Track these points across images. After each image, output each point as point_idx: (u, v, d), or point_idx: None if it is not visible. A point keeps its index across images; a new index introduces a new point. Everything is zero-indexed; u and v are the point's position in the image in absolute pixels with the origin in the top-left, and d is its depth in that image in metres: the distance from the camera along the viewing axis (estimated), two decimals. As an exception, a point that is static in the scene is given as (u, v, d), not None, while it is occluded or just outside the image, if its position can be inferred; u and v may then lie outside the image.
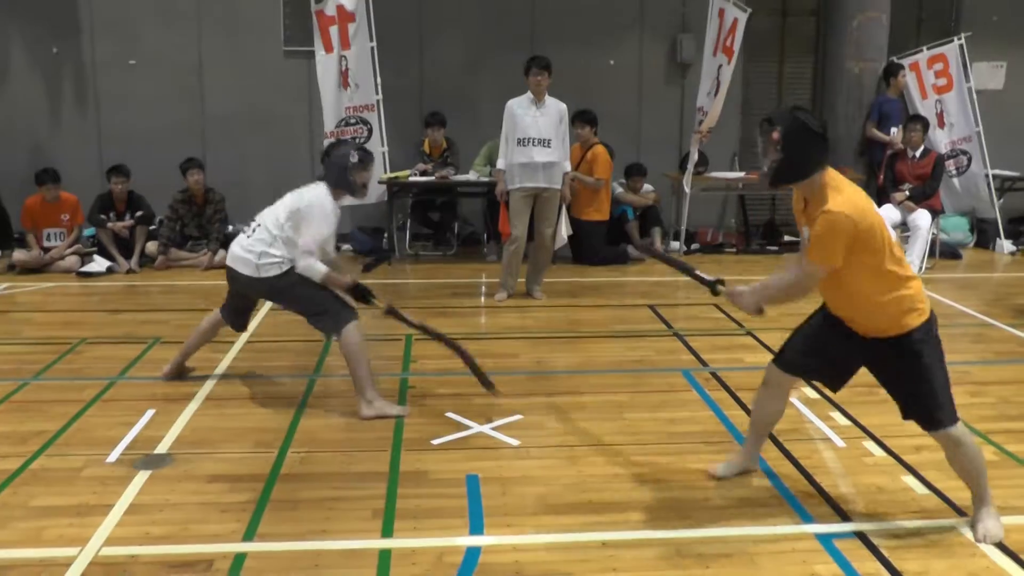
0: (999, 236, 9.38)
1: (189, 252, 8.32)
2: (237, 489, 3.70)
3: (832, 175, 3.28)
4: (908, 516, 3.57)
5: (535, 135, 6.93)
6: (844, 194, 3.22)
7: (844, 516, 3.56)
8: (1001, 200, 9.51)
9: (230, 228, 8.49)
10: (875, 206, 3.37)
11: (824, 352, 3.57)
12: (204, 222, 8.32)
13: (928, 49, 9.15)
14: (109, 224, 8.16)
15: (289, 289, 4.66)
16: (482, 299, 7.30)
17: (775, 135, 3.22)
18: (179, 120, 9.32)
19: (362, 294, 4.73)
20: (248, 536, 3.31)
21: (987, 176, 9.31)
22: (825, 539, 3.38)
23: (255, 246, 4.64)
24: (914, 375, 3.34)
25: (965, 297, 7.36)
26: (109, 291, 7.51)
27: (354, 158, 4.66)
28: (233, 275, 4.78)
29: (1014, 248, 9.38)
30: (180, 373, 5.14)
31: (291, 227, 4.59)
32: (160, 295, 7.36)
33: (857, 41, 9.23)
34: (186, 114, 9.36)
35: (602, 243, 8.81)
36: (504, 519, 3.49)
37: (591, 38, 9.68)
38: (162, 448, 4.11)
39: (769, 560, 3.23)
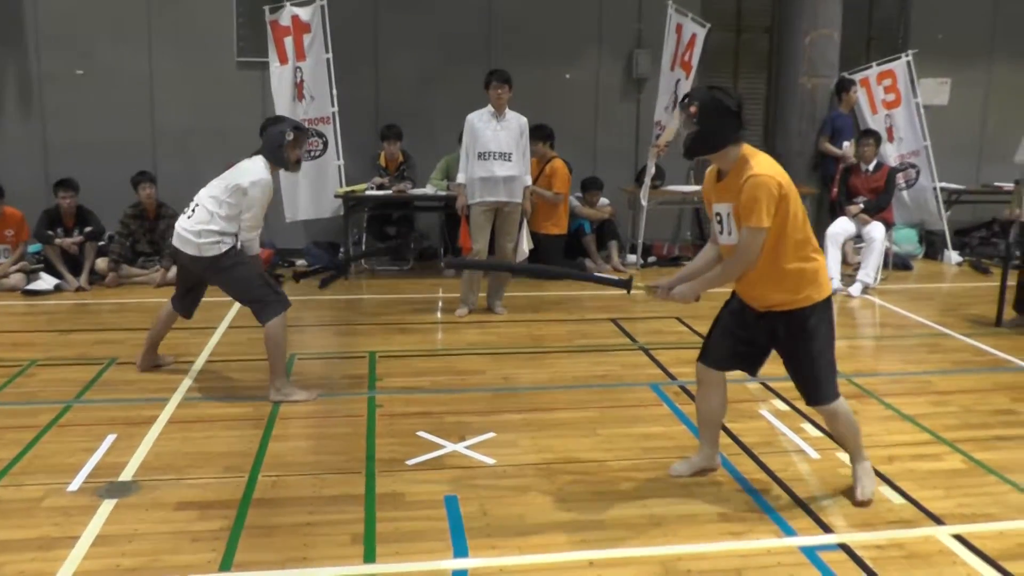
0: (947, 247, 9.62)
1: (141, 268, 8.08)
2: (208, 516, 3.56)
3: (749, 149, 3.53)
4: (888, 526, 3.60)
5: (496, 149, 6.89)
6: (764, 162, 3.49)
7: (826, 528, 3.57)
8: (948, 212, 9.74)
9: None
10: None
11: (738, 339, 3.81)
12: (156, 238, 8.08)
13: (878, 65, 9.35)
14: (57, 240, 7.87)
15: (229, 270, 4.93)
16: (439, 314, 7.22)
17: (692, 109, 3.47)
18: (129, 133, 9.05)
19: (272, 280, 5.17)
20: (225, 566, 3.19)
21: (935, 189, 9.53)
22: (810, 552, 3.39)
23: (195, 225, 4.86)
24: (805, 355, 3.64)
25: (919, 308, 7.51)
26: (58, 310, 7.25)
27: (289, 136, 4.91)
28: (175, 252, 5.05)
29: (961, 259, 9.62)
30: (156, 364, 5.43)
31: (231, 204, 4.84)
32: (112, 314, 7.12)
33: (810, 57, 9.39)
34: (136, 126, 9.11)
35: (560, 257, 8.80)
36: (488, 540, 3.42)
37: (547, 53, 9.68)
38: (127, 475, 3.95)
39: (755, 574, 3.22)
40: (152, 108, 9.14)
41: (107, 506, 3.63)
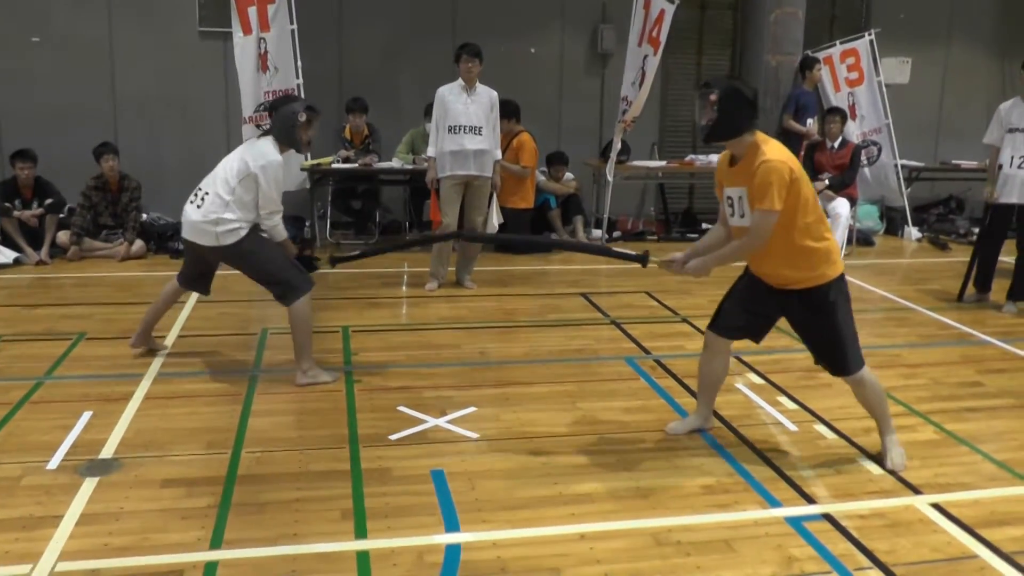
0: (907, 224, 9.82)
1: (104, 242, 7.89)
2: (195, 493, 3.51)
3: (761, 136, 3.71)
4: (868, 496, 3.68)
5: (466, 123, 6.85)
6: (776, 148, 3.67)
7: (809, 499, 3.64)
8: (908, 189, 9.93)
9: (144, 216, 8.11)
10: None
11: (751, 310, 4.00)
12: (119, 210, 7.89)
13: (841, 44, 9.46)
14: (15, 213, 7.66)
15: (250, 254, 4.73)
16: (403, 288, 7.17)
17: (713, 97, 3.65)
18: (88, 102, 8.79)
19: (307, 264, 4.99)
20: (215, 544, 3.14)
21: (896, 166, 9.71)
22: (795, 522, 3.45)
23: (210, 214, 4.63)
24: (826, 328, 3.79)
25: (883, 282, 7.66)
26: (18, 284, 7.05)
27: (302, 116, 4.75)
28: (191, 246, 4.80)
29: (920, 235, 9.83)
30: (150, 347, 5.20)
31: (243, 189, 4.64)
32: (76, 288, 6.94)
33: (774, 35, 9.45)
34: (96, 96, 8.84)
35: (527, 232, 8.79)
36: (478, 515, 3.43)
37: (513, 27, 9.62)
38: (107, 452, 3.87)
39: (746, 545, 3.27)
40: (113, 77, 8.88)
41: (89, 484, 3.56)
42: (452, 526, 3.34)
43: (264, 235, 4.81)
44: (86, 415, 4.25)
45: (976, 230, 9.77)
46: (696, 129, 3.93)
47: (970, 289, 6.97)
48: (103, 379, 4.79)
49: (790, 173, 3.56)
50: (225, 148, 8.68)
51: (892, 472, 3.90)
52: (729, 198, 3.78)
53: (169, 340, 5.50)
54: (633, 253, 4.18)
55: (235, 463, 3.80)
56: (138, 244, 7.83)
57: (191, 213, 4.69)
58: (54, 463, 3.75)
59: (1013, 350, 5.77)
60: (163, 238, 8.13)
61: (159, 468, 3.73)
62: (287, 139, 4.76)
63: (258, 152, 4.67)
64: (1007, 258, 6.93)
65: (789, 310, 3.88)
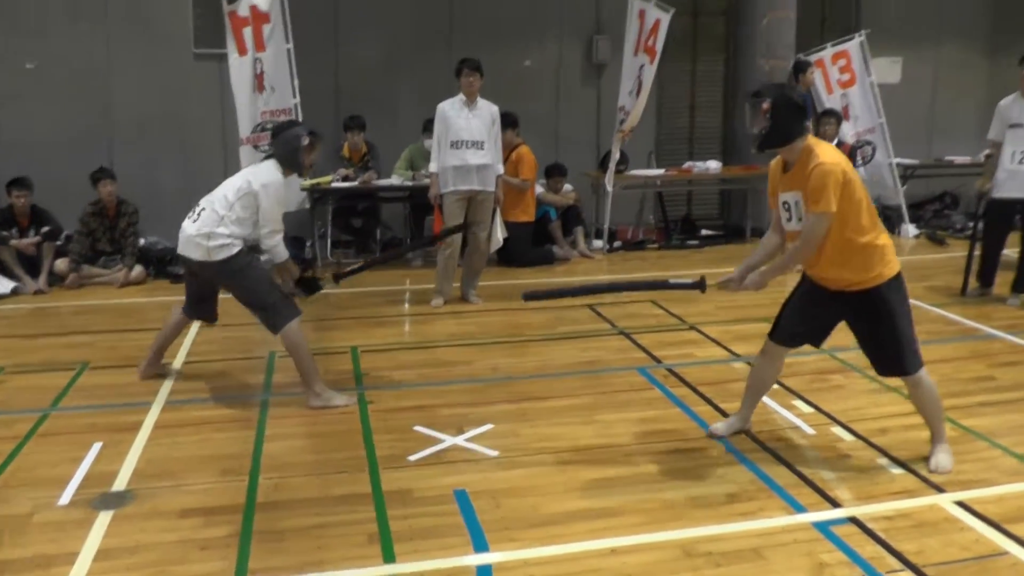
0: (903, 221, 9.83)
1: (102, 268, 7.80)
2: (213, 523, 3.45)
3: (812, 139, 3.72)
4: (892, 497, 3.66)
5: (468, 137, 6.83)
6: (829, 151, 3.68)
7: (834, 503, 3.61)
8: (904, 187, 9.94)
9: (143, 241, 8.04)
10: None
11: (810, 317, 4.01)
12: (117, 236, 7.81)
13: (832, 46, 9.48)
14: (12, 241, 7.57)
15: (240, 273, 4.72)
16: (406, 306, 7.12)
17: (765, 106, 3.66)
18: (84, 127, 8.68)
19: (310, 285, 5.03)
20: (240, 574, 3.09)
21: (891, 165, 9.72)
22: (823, 527, 3.42)
23: (203, 228, 4.66)
24: (885, 328, 3.77)
25: (886, 282, 7.63)
26: (17, 314, 6.97)
27: (304, 140, 4.80)
28: (185, 260, 4.83)
29: (917, 232, 9.84)
30: (160, 373, 5.20)
31: (241, 207, 4.67)
32: (76, 316, 6.87)
33: (767, 39, 9.47)
34: (91, 121, 8.73)
35: (528, 245, 8.76)
36: (506, 533, 3.38)
37: (508, 39, 9.61)
38: (120, 484, 3.80)
39: (776, 553, 3.23)
40: (108, 101, 8.79)
41: (104, 518, 3.50)
42: (481, 546, 3.29)
43: (261, 258, 4.83)
44: (96, 446, 4.19)
45: (972, 224, 9.85)
46: (747, 138, 3.90)
47: (973, 283, 6.97)
48: (111, 408, 4.73)
49: (843, 175, 3.59)
50: (222, 169, 8.67)
51: (913, 472, 3.86)
52: (785, 203, 3.79)
53: (175, 367, 5.43)
54: (690, 281, 4.12)
55: (253, 490, 3.74)
56: (137, 269, 7.75)
57: (187, 227, 4.75)
58: (66, 498, 3.68)
59: (1021, 343, 5.76)
60: (162, 262, 8.05)
61: (174, 498, 3.67)
62: (290, 162, 4.81)
63: (261, 172, 4.76)
64: (1008, 251, 6.92)
65: (848, 312, 3.88)
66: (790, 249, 3.81)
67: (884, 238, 3.77)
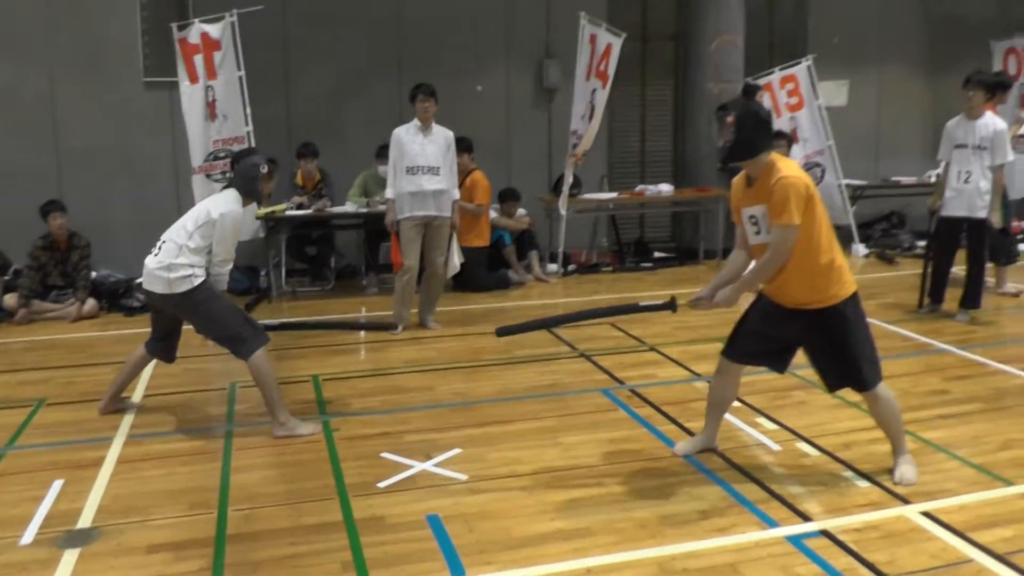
0: (853, 241, 10.06)
1: (53, 303, 7.63)
2: (184, 557, 3.39)
3: (775, 155, 3.78)
4: (860, 509, 3.73)
5: (423, 163, 6.84)
6: (791, 166, 3.77)
7: (804, 517, 3.66)
8: (853, 207, 10.20)
9: (94, 274, 7.87)
10: None
11: (766, 337, 4.02)
12: (69, 270, 7.64)
13: (780, 70, 9.72)
14: (-42, 278, 7.38)
15: (203, 304, 4.69)
16: (362, 333, 7.08)
17: (730, 119, 3.73)
18: (31, 159, 8.48)
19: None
20: (215, 607, 3.04)
21: (840, 186, 9.96)
22: (795, 540, 3.47)
23: (164, 260, 4.65)
24: (845, 347, 3.83)
25: (838, 299, 7.80)
26: (-37, 352, 6.79)
27: (263, 168, 4.82)
28: (149, 296, 4.80)
29: (867, 251, 10.09)
30: (118, 407, 5.12)
31: (200, 236, 4.66)
32: (28, 352, 6.67)
33: (715, 63, 9.70)
34: (38, 152, 8.54)
35: (484, 270, 8.79)
36: (481, 556, 3.37)
37: (458, 65, 9.67)
38: (85, 521, 3.71)
39: (751, 568, 3.27)
40: (55, 132, 8.62)
41: (70, 556, 3.41)
42: (457, 570, 3.28)
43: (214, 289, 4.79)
44: (57, 484, 4.08)
45: (921, 243, 10.11)
46: (714, 151, 4.00)
47: (924, 299, 7.15)
48: (70, 445, 4.61)
49: (806, 189, 3.66)
50: (175, 199, 8.58)
51: (878, 484, 3.95)
52: (752, 217, 3.83)
53: (135, 400, 5.33)
54: (661, 303, 4.16)
55: (223, 522, 3.68)
56: (90, 303, 7.60)
57: (149, 262, 4.73)
58: (28, 537, 3.57)
59: (971, 356, 5.93)
60: (115, 295, 7.89)
61: (142, 534, 3.59)
62: (249, 191, 4.82)
63: (220, 202, 4.76)
64: (957, 268, 7.13)
65: (805, 331, 3.91)
66: (756, 265, 3.84)
67: (841, 258, 3.85)
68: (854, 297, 3.85)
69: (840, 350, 3.85)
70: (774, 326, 3.97)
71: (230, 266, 4.79)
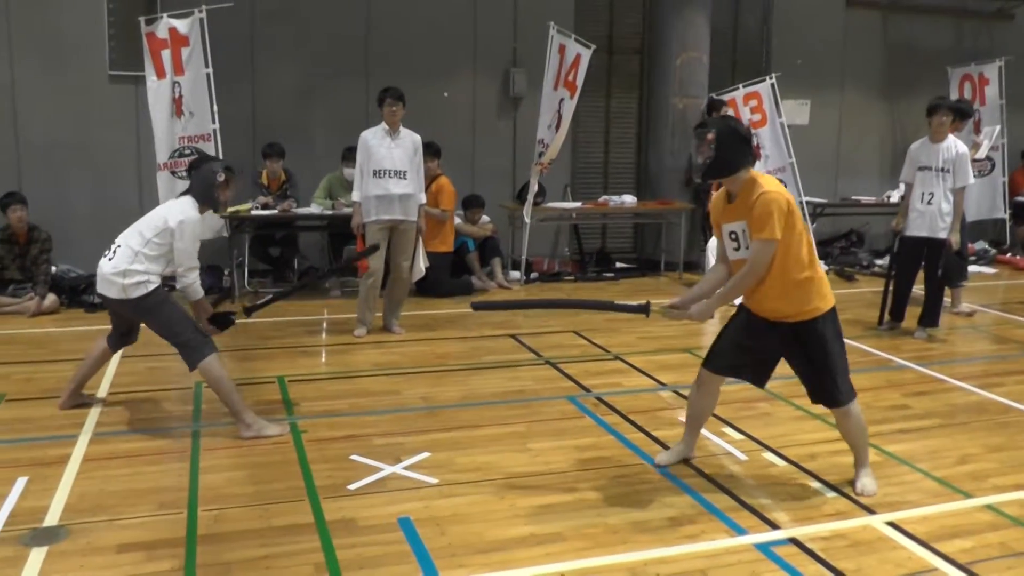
0: (813, 257, 10.19)
1: (12, 297, 7.45)
2: (155, 557, 3.34)
3: (755, 172, 3.81)
4: (827, 519, 3.81)
5: (390, 167, 6.83)
6: (771, 181, 3.79)
7: (772, 525, 3.73)
8: (814, 225, 10.36)
9: (54, 269, 7.71)
10: None
11: (745, 349, 4.06)
12: (28, 263, 7.48)
13: (744, 87, 9.87)
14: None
15: (156, 309, 4.68)
16: (323, 335, 7.06)
17: (709, 136, 3.74)
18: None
19: (223, 321, 4.98)
20: (188, 608, 3.00)
21: (801, 203, 10.08)
22: (764, 548, 3.53)
23: (119, 265, 4.61)
24: (821, 362, 3.89)
25: (798, 314, 7.95)
26: (-83, 346, 6.58)
27: (220, 177, 4.80)
28: (105, 299, 4.77)
29: (827, 268, 10.22)
30: (79, 402, 5.04)
31: (157, 244, 4.62)
32: (-17, 348, 6.53)
33: (680, 79, 9.84)
34: (-3, 144, 8.37)
35: (447, 275, 8.80)
36: (453, 560, 3.38)
37: (424, 70, 9.65)
38: (51, 520, 3.63)
39: (722, 574, 3.32)
40: (15, 124, 8.43)
41: (37, 555, 3.34)
42: (430, 573, 3.28)
43: (171, 294, 4.79)
44: (21, 481, 3.99)
45: (879, 262, 10.35)
46: (677, 164, 4.00)
47: (885, 317, 7.31)
48: (34, 442, 4.52)
49: (787, 204, 3.69)
50: (137, 196, 8.45)
51: (844, 495, 4.03)
52: (732, 233, 3.85)
53: (100, 396, 5.25)
54: (635, 304, 4.13)
55: (193, 523, 3.63)
56: (50, 298, 7.43)
57: (103, 266, 4.67)
58: (-7, 535, 3.50)
59: (930, 373, 6.08)
60: (75, 291, 7.74)
61: (111, 533, 3.53)
62: (206, 199, 4.79)
63: (177, 209, 4.71)
64: (917, 287, 7.30)
65: (784, 344, 3.95)
66: (734, 280, 3.87)
67: (820, 272, 3.89)
68: (833, 311, 3.90)
69: (818, 364, 3.90)
70: (753, 338, 4.02)
71: (196, 273, 4.72)
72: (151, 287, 4.61)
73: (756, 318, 3.98)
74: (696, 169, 3.87)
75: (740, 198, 3.79)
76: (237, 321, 5.16)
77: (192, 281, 4.69)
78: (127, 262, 4.58)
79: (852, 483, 4.11)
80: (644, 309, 4.05)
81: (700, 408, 4.30)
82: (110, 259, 4.65)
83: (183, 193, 4.84)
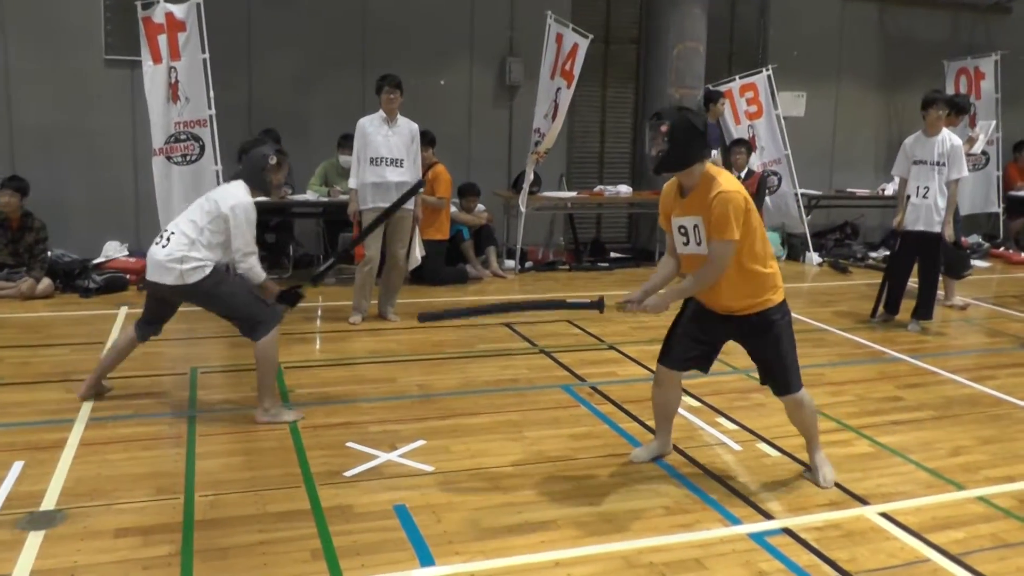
0: (807, 249, 10.27)
1: (5, 281, 7.39)
2: (152, 542, 3.34)
3: (712, 167, 3.73)
4: (820, 509, 3.84)
5: (387, 154, 6.83)
6: (729, 179, 3.71)
7: (766, 515, 3.75)
8: (808, 216, 10.42)
9: (49, 254, 7.68)
10: None
11: (698, 341, 4.05)
12: (21, 249, 7.45)
13: (740, 78, 9.87)
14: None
15: (215, 289, 4.63)
16: (318, 322, 7.06)
17: (664, 128, 3.64)
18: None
19: (292, 297, 4.92)
20: (185, 592, 3.01)
21: (796, 195, 10.17)
22: (758, 538, 3.55)
23: (175, 252, 4.56)
24: (774, 352, 3.90)
25: (794, 306, 7.74)
26: (-91, 330, 6.57)
27: (272, 160, 4.75)
28: (154, 287, 4.70)
29: (820, 260, 10.30)
30: (99, 392, 4.98)
31: (212, 231, 4.58)
32: (-24, 332, 6.52)
33: (677, 69, 9.85)
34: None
35: (443, 263, 8.80)
36: (449, 547, 3.39)
37: (421, 58, 9.65)
38: (48, 504, 3.64)
39: (716, 563, 3.35)
40: (9, 108, 8.39)
41: (35, 538, 3.34)
42: (426, 560, 3.29)
43: (223, 273, 4.72)
44: (17, 465, 3.99)
45: (873, 254, 10.39)
46: (646, 159, 3.91)
47: (880, 309, 7.34)
48: (30, 426, 4.52)
49: (745, 202, 3.64)
50: (133, 181, 8.43)
51: (837, 485, 4.06)
52: (682, 227, 3.80)
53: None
54: (588, 301, 4.08)
55: (190, 508, 3.64)
56: (45, 282, 7.40)
57: (156, 253, 4.61)
58: (-11, 518, 3.50)
59: (923, 365, 6.12)
60: (69, 276, 7.71)
61: (109, 517, 3.54)
62: (257, 182, 4.74)
63: (229, 194, 4.66)
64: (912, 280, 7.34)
65: (736, 335, 3.97)
66: (695, 275, 3.80)
67: (774, 265, 3.86)
68: (783, 304, 3.90)
69: (768, 355, 3.92)
70: (706, 330, 4.00)
71: (254, 258, 4.67)
72: (207, 271, 4.57)
73: (706, 310, 3.96)
74: (649, 161, 3.77)
75: (695, 193, 3.71)
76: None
77: (252, 265, 4.66)
78: (184, 249, 4.53)
79: (811, 475, 4.12)
80: (598, 305, 3.99)
81: (665, 404, 4.25)
82: (163, 246, 4.59)
83: (234, 177, 4.79)
